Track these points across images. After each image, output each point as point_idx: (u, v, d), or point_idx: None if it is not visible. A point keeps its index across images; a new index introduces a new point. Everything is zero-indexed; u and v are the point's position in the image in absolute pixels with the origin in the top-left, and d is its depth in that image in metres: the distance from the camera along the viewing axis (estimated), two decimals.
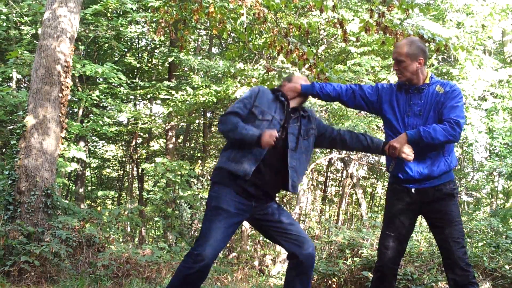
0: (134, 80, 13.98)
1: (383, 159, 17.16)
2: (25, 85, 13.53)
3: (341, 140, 3.37)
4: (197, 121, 17.56)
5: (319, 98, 3.42)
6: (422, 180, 3.13)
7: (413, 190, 3.17)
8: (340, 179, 18.64)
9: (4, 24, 10.85)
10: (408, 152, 3.04)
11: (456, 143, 3.41)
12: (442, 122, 3.02)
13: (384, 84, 3.39)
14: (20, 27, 11.07)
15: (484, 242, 5.86)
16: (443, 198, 3.12)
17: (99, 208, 7.39)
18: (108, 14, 12.40)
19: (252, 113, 3.09)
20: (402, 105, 3.20)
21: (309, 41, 12.31)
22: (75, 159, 13.71)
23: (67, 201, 7.62)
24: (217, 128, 3.23)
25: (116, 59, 14.81)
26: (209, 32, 13.67)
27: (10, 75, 10.56)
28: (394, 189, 3.29)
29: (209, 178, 3.38)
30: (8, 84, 12.14)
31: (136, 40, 15.26)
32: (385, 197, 3.46)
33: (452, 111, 3.02)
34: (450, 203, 3.12)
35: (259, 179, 3.03)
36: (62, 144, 6.88)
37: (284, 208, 3.30)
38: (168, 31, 5.88)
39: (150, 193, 12.08)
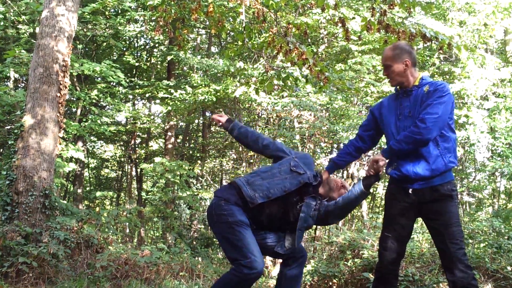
0: (132, 79, 13.93)
1: None
2: (23, 84, 13.48)
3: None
4: (196, 121, 17.51)
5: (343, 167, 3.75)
6: (418, 180, 3.10)
7: (410, 190, 3.14)
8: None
9: (2, 23, 10.79)
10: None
11: (458, 143, 3.37)
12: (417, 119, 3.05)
13: (378, 102, 3.48)
14: (18, 26, 11.01)
15: (486, 243, 5.82)
16: (440, 199, 3.09)
17: (97, 209, 7.34)
18: (106, 13, 12.35)
19: (289, 162, 3.28)
20: (395, 110, 3.25)
21: (309, 40, 12.26)
22: (73, 159, 13.65)
23: (65, 202, 7.57)
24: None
25: (115, 58, 14.75)
26: (208, 31, 13.62)
27: (8, 74, 10.49)
28: (392, 189, 3.29)
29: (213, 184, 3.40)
30: (6, 83, 12.08)
31: (135, 39, 15.21)
32: (384, 199, 3.45)
33: (424, 110, 3.03)
34: (447, 204, 3.09)
35: (257, 213, 3.16)
36: (60, 144, 6.83)
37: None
38: (166, 30, 5.82)
39: (149, 193, 12.04)
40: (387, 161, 3.17)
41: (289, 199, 3.18)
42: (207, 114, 16.55)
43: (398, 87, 3.27)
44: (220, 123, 3.51)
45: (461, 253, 3.03)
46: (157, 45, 14.95)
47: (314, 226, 16.49)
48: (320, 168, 14.91)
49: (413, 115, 3.12)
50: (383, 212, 3.40)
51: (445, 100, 3.03)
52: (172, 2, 5.78)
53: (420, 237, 6.80)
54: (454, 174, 3.44)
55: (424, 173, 3.07)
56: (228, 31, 5.82)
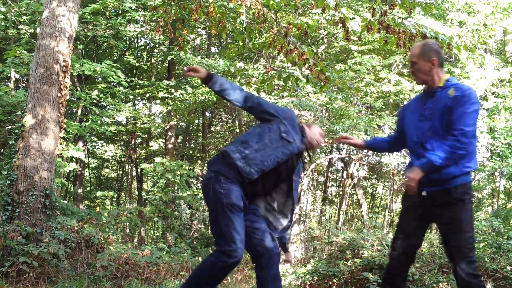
0: (133, 79, 13.94)
1: (383, 159, 17.14)
2: (24, 84, 13.49)
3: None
4: (196, 121, 17.52)
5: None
6: (431, 183, 3.04)
7: (423, 193, 3.09)
8: (340, 179, 18.62)
9: (3, 23, 10.80)
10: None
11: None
12: (450, 134, 2.97)
13: (411, 100, 3.46)
14: (19, 26, 11.02)
15: (486, 242, 5.83)
16: (452, 203, 3.01)
17: (98, 209, 7.36)
18: (107, 13, 12.36)
19: (279, 129, 3.26)
20: (417, 110, 3.21)
21: (309, 40, 12.27)
22: (73, 159, 13.66)
23: (65, 202, 7.58)
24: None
25: (115, 58, 14.76)
26: (208, 31, 13.63)
27: (9, 74, 10.51)
28: (408, 194, 3.24)
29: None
30: (7, 83, 12.09)
31: (135, 39, 15.22)
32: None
33: (459, 120, 2.95)
34: (459, 209, 3.00)
35: (253, 186, 3.21)
36: (61, 144, 6.84)
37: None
38: (166, 30, 5.83)
39: (149, 193, 12.04)
40: (416, 175, 3.00)
41: (281, 165, 3.24)
42: (207, 114, 16.56)
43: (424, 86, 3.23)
44: (197, 76, 3.27)
45: (466, 261, 2.96)
46: (157, 45, 14.96)
47: (314, 227, 16.44)
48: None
49: (433, 117, 3.07)
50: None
51: (476, 108, 2.99)
52: (173, 3, 5.79)
53: None
54: None
55: (436, 176, 3.01)
56: (229, 32, 5.83)
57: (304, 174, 13.41)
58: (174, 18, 5.83)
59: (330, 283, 5.84)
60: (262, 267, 3.18)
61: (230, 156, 3.16)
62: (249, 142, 3.23)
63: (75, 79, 12.28)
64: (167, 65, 14.92)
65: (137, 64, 14.90)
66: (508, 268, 5.18)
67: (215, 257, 3.07)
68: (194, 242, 10.17)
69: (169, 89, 13.08)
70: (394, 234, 3.27)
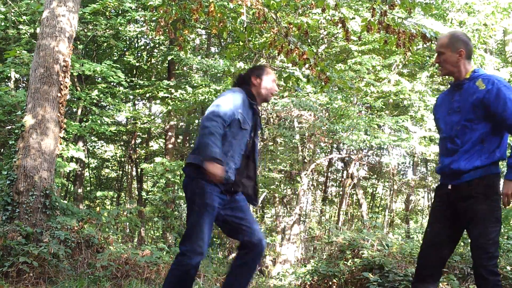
0: (133, 79, 13.94)
1: (383, 159, 17.13)
2: (24, 84, 13.49)
3: None
4: (196, 121, 17.51)
5: None
6: (454, 175, 2.99)
7: (449, 186, 3.03)
8: (340, 179, 18.62)
9: (3, 23, 10.80)
10: None
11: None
12: (508, 128, 2.91)
13: (440, 95, 3.36)
14: (19, 26, 11.02)
15: None
16: (474, 195, 2.91)
17: (98, 209, 7.36)
18: (107, 13, 12.36)
19: (238, 121, 3.20)
20: (446, 103, 3.15)
21: (309, 40, 12.27)
22: (73, 159, 13.66)
23: (65, 202, 7.57)
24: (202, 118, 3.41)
25: (115, 58, 14.77)
26: (209, 31, 13.63)
27: (9, 74, 10.50)
28: (437, 187, 3.20)
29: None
30: (7, 83, 12.09)
31: (135, 39, 15.22)
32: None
33: (507, 114, 2.87)
34: (480, 202, 2.90)
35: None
36: (61, 144, 6.84)
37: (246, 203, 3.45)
38: (167, 30, 5.83)
39: (149, 193, 12.04)
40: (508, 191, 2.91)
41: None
42: None
43: (451, 80, 3.16)
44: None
45: (485, 258, 2.85)
46: (157, 45, 14.97)
47: (314, 227, 16.42)
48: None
49: (462, 110, 3.00)
50: None
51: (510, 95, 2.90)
52: (173, 3, 5.80)
53: (420, 237, 6.80)
54: None
55: (458, 167, 2.96)
56: (229, 31, 5.84)
57: (304, 174, 13.41)
58: (174, 18, 5.83)
59: (330, 283, 5.84)
60: (250, 255, 3.23)
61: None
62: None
63: (75, 79, 12.28)
64: (167, 65, 14.92)
65: (137, 64, 14.91)
66: (508, 268, 5.18)
67: (177, 261, 3.09)
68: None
69: (169, 89, 13.09)
70: (421, 245, 3.15)
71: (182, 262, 3.06)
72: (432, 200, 3.27)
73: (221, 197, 3.16)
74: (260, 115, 3.46)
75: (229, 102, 3.16)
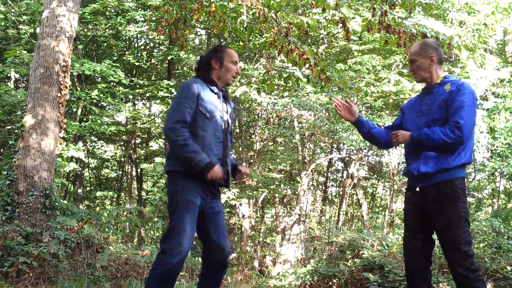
0: (133, 79, 13.93)
1: (383, 159, 17.13)
2: (24, 84, 13.48)
3: None
4: None
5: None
6: (421, 177, 3.07)
7: (417, 188, 3.11)
8: (340, 179, 18.61)
9: (3, 23, 10.79)
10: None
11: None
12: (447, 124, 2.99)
13: (413, 97, 3.45)
14: (19, 26, 11.01)
15: (486, 243, 5.82)
16: (443, 198, 2.99)
17: (98, 209, 7.35)
18: (107, 13, 12.35)
19: (200, 112, 3.05)
20: (415, 106, 3.25)
21: (309, 40, 12.26)
22: (73, 159, 13.65)
23: (65, 202, 7.57)
24: (163, 131, 3.17)
25: (115, 58, 14.76)
26: (209, 31, 13.63)
27: (9, 74, 10.50)
28: (406, 190, 3.29)
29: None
30: (6, 83, 12.09)
31: (135, 39, 15.21)
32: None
33: (456, 113, 2.98)
34: (450, 204, 2.97)
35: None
36: (61, 144, 6.83)
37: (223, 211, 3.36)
38: (168, 30, 5.83)
39: (149, 193, 12.04)
40: (405, 137, 3.10)
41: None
42: None
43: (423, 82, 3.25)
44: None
45: (461, 256, 2.93)
46: (157, 45, 14.96)
47: (314, 227, 16.39)
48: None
49: (430, 113, 3.10)
50: None
51: (471, 102, 3.00)
52: (173, 3, 5.79)
53: None
54: None
55: (426, 170, 3.03)
56: (230, 31, 5.83)
57: (304, 174, 13.40)
58: (176, 18, 5.83)
59: (330, 283, 5.84)
60: (211, 276, 3.14)
61: (182, 171, 3.02)
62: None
63: (75, 79, 12.28)
64: (167, 64, 14.91)
65: (137, 64, 14.91)
66: (509, 268, 5.18)
67: (158, 259, 2.97)
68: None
69: (169, 89, 13.08)
70: (404, 252, 3.24)
71: (163, 260, 2.92)
72: (404, 203, 3.31)
73: (202, 195, 3.05)
74: (227, 96, 3.29)
75: (183, 100, 3.02)
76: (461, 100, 2.99)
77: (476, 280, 2.93)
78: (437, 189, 3.02)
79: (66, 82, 6.60)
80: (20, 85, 13.51)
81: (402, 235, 3.37)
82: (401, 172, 3.09)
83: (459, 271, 2.94)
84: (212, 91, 3.15)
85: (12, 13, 10.80)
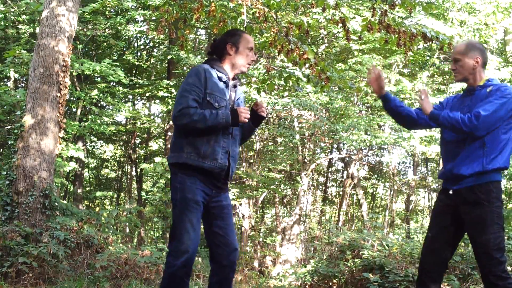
0: (132, 79, 13.92)
1: (384, 159, 17.13)
2: (23, 84, 13.47)
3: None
4: None
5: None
6: (454, 179, 3.04)
7: (450, 191, 3.08)
8: (340, 179, 18.60)
9: (2, 23, 10.78)
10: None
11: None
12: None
13: (452, 96, 3.41)
14: (18, 26, 11.00)
15: None
16: (477, 201, 2.96)
17: (97, 209, 7.34)
18: (107, 13, 12.34)
19: (208, 102, 2.88)
20: (455, 106, 3.20)
21: (309, 40, 12.26)
22: (73, 159, 13.64)
23: (65, 202, 7.56)
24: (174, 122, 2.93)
25: (115, 58, 14.75)
26: (209, 31, 13.61)
27: (8, 74, 10.48)
28: (439, 192, 3.26)
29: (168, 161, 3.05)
30: (6, 83, 12.08)
31: (135, 39, 15.20)
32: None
33: (481, 105, 2.97)
34: (483, 208, 2.93)
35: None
36: (60, 144, 6.82)
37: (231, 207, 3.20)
38: (167, 30, 5.82)
39: (149, 193, 12.03)
40: (429, 105, 3.07)
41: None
42: None
43: (464, 86, 3.22)
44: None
45: (493, 263, 2.89)
46: (157, 45, 14.95)
47: (314, 227, 16.39)
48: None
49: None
50: None
51: (504, 101, 2.96)
52: (173, 2, 5.78)
53: (420, 238, 6.79)
54: None
55: (461, 172, 3.00)
56: None
57: (305, 174, 13.39)
58: (176, 17, 5.81)
59: (330, 283, 5.83)
60: (220, 276, 2.98)
61: (189, 164, 2.87)
62: (195, 139, 2.90)
63: (75, 79, 12.27)
64: (166, 64, 14.91)
65: (136, 64, 14.90)
66: (509, 268, 5.17)
67: (166, 261, 2.87)
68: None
69: (169, 89, 13.07)
70: (422, 250, 3.20)
71: (167, 263, 2.84)
72: (434, 204, 3.27)
73: (205, 190, 2.90)
74: (237, 84, 3.10)
75: (188, 87, 2.86)
76: (494, 97, 2.98)
77: None
78: (471, 192, 2.99)
79: (65, 82, 6.59)
80: (19, 85, 13.50)
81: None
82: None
83: (489, 278, 2.91)
84: (220, 79, 2.96)
85: (12, 13, 10.78)
